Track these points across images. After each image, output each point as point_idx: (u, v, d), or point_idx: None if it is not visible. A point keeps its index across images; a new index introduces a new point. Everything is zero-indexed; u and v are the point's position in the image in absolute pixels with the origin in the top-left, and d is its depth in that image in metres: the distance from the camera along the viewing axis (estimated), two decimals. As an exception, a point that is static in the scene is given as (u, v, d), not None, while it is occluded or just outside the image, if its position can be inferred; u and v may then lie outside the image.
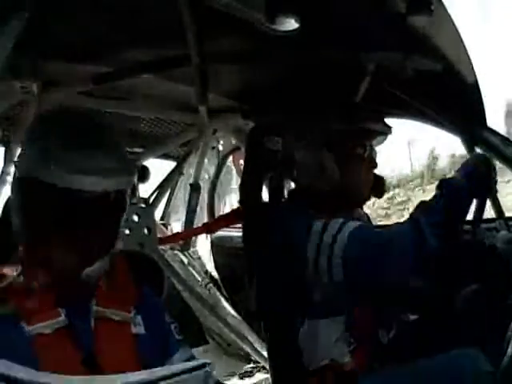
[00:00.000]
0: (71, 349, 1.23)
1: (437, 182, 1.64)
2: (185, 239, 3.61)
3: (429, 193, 8.50)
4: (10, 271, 1.28)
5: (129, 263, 1.46)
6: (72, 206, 1.22)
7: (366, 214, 2.11)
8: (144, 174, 3.01)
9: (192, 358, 1.44)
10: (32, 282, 1.24)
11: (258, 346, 3.27)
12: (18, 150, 2.22)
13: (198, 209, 3.56)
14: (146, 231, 2.86)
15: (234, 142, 3.42)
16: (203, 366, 0.95)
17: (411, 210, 1.62)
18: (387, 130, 1.88)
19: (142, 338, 1.35)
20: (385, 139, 1.91)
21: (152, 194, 3.22)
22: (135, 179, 1.35)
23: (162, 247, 3.24)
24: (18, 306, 1.21)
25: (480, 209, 1.79)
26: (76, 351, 1.23)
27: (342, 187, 1.79)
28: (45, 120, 1.35)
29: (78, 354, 1.23)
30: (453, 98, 1.90)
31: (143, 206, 2.94)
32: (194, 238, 3.71)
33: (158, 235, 3.10)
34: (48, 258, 1.25)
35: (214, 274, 3.72)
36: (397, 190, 11.54)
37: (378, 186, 1.90)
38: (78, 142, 1.23)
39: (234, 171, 3.89)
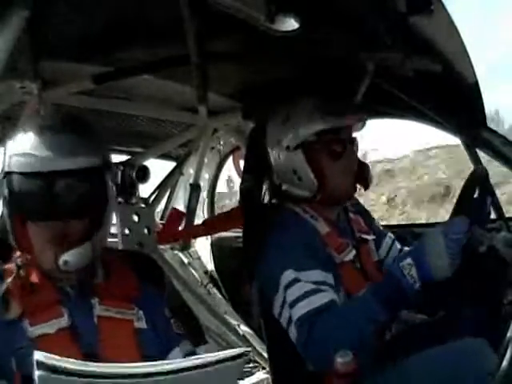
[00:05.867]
0: (74, 349, 1.23)
1: None
2: (186, 239, 3.61)
3: None
4: (11, 271, 1.28)
5: (128, 261, 1.47)
6: (41, 193, 1.23)
7: (364, 207, 2.09)
8: (144, 174, 3.01)
9: (193, 352, 1.45)
10: (29, 279, 1.26)
11: (257, 345, 3.27)
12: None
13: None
14: (145, 231, 2.85)
15: (234, 141, 3.42)
16: (243, 354, 0.95)
17: None
18: (364, 118, 1.83)
19: (143, 332, 1.36)
20: (364, 125, 1.86)
21: (152, 194, 3.22)
22: (107, 159, 1.36)
23: (162, 247, 3.24)
24: (20, 306, 1.22)
25: (481, 211, 1.79)
26: (79, 351, 1.23)
27: (323, 190, 1.77)
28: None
29: (81, 353, 1.22)
30: (453, 99, 1.90)
31: (143, 205, 2.94)
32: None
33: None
34: (30, 250, 1.27)
35: (214, 273, 3.72)
36: None
37: (363, 176, 1.88)
38: (40, 135, 1.28)
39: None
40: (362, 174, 1.86)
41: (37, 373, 0.84)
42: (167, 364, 0.91)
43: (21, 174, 1.24)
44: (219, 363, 0.92)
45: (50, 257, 1.25)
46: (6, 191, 1.27)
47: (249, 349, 0.96)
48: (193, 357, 0.96)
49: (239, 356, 0.95)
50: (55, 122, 1.34)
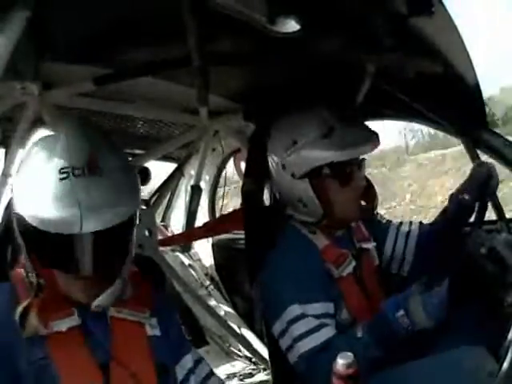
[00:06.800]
0: (84, 348, 1.23)
1: None
2: (187, 241, 3.61)
3: None
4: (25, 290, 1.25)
5: (142, 267, 1.47)
6: (62, 253, 1.16)
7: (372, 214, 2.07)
8: (145, 176, 3.01)
9: (202, 359, 1.47)
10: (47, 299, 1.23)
11: (258, 347, 3.27)
12: (19, 151, 2.24)
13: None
14: (146, 233, 2.86)
15: (235, 143, 3.42)
16: None
17: None
18: (376, 142, 1.75)
19: (157, 340, 1.36)
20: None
21: (153, 196, 3.22)
22: (138, 206, 1.24)
23: (163, 248, 3.24)
24: (37, 324, 1.20)
25: (480, 212, 1.79)
26: (89, 351, 1.23)
27: (331, 214, 1.76)
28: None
29: (91, 353, 1.24)
30: (453, 100, 1.90)
31: (144, 207, 2.94)
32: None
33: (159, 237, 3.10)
34: (56, 289, 1.23)
35: (215, 275, 3.72)
36: None
37: (369, 197, 1.87)
38: (58, 176, 1.12)
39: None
40: (368, 195, 1.85)
41: None
42: None
43: (37, 229, 1.10)
44: None
45: (80, 297, 1.23)
46: (18, 231, 1.18)
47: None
48: None
49: None
50: (79, 157, 1.13)
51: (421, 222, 2.06)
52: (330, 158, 1.69)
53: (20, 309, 1.19)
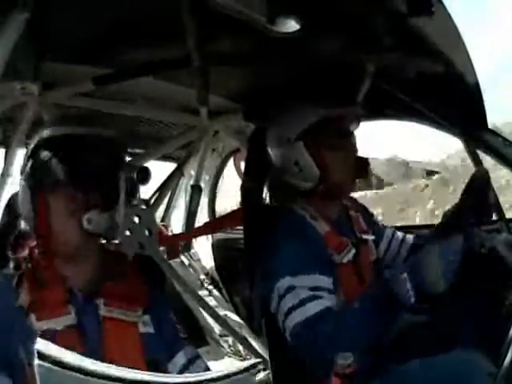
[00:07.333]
0: (79, 347, 1.24)
1: None
2: (187, 240, 3.61)
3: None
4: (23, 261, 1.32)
5: (131, 263, 1.49)
6: (63, 160, 1.30)
7: (363, 205, 2.09)
8: (145, 176, 3.00)
9: (198, 356, 1.47)
10: (41, 268, 1.29)
11: (258, 347, 3.26)
12: (19, 151, 2.24)
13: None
14: (146, 232, 2.85)
15: (234, 143, 3.41)
16: (254, 366, 0.98)
17: None
18: (360, 112, 1.87)
19: (149, 337, 1.37)
20: (359, 122, 1.89)
21: (153, 196, 3.21)
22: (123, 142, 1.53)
23: (163, 248, 3.24)
24: (29, 297, 1.25)
25: (480, 211, 1.79)
26: (84, 349, 1.23)
27: (325, 181, 1.79)
28: None
29: (86, 352, 1.23)
30: (453, 100, 1.90)
31: (144, 207, 2.94)
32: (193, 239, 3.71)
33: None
34: (49, 232, 1.31)
35: (215, 275, 3.72)
36: None
37: (361, 168, 1.88)
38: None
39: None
40: (361, 168, 1.87)
41: (37, 362, 0.85)
42: (189, 376, 0.95)
43: (45, 141, 1.33)
44: (234, 376, 0.94)
45: (74, 225, 1.30)
46: (29, 166, 1.34)
47: (259, 360, 1.00)
48: (213, 371, 0.97)
49: (252, 367, 0.97)
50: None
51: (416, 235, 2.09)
52: (319, 115, 1.77)
53: (16, 277, 1.29)
